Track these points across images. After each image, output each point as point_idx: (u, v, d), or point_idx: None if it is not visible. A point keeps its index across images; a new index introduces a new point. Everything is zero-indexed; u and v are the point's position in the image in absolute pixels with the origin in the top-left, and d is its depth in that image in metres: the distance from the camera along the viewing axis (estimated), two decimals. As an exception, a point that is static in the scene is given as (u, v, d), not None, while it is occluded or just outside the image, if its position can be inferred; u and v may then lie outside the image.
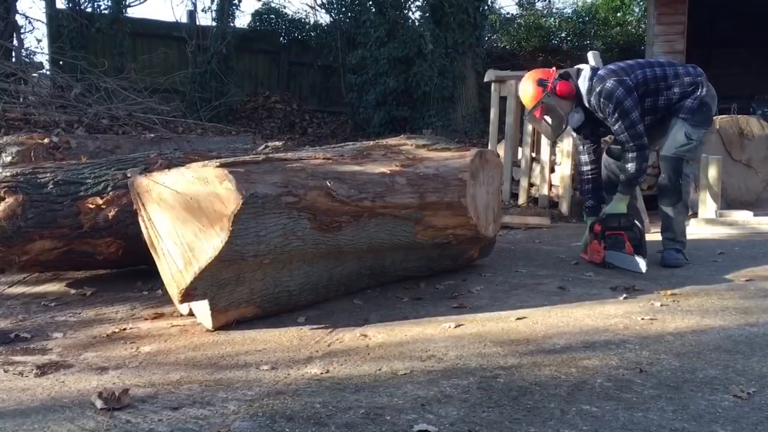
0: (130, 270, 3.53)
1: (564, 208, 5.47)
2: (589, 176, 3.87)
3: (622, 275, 3.45)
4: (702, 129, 3.70)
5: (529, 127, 5.89)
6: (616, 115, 3.53)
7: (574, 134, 4.02)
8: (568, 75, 3.65)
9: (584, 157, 3.89)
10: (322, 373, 2.17)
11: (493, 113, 6.49)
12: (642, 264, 3.44)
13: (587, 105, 3.62)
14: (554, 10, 16.49)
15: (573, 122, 3.68)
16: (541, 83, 3.59)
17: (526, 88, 3.66)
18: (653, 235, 4.70)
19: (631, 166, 3.60)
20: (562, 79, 3.60)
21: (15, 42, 9.98)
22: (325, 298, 2.97)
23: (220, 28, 11.35)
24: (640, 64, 3.67)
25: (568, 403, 1.93)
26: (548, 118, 3.70)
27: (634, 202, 4.00)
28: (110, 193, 3.20)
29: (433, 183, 3.19)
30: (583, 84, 3.60)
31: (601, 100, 3.52)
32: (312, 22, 13.69)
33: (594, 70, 3.64)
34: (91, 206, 3.16)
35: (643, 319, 2.73)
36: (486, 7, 11.90)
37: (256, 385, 2.08)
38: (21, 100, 7.31)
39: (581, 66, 3.75)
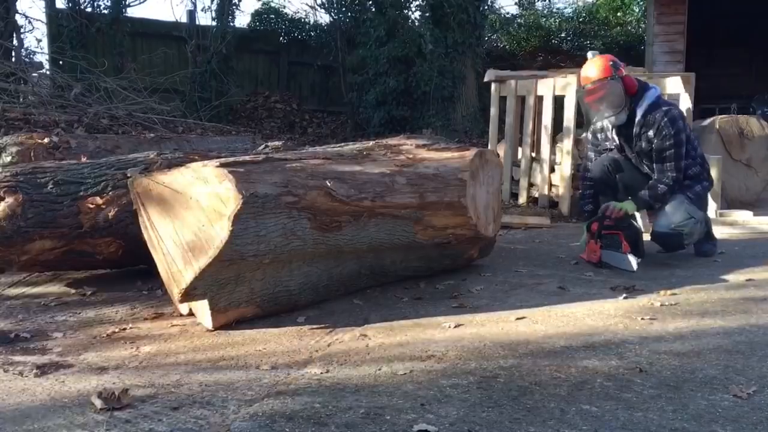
0: (130, 270, 3.53)
1: (564, 207, 5.47)
2: (592, 182, 3.88)
3: (623, 275, 3.45)
4: (702, 212, 3.76)
5: (529, 127, 5.89)
6: (672, 141, 3.54)
7: (590, 136, 4.02)
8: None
9: (591, 165, 3.91)
10: (322, 373, 2.17)
11: (493, 113, 6.49)
12: (633, 262, 3.43)
13: (637, 118, 3.61)
14: (554, 10, 16.50)
15: (617, 121, 3.68)
16: (615, 65, 3.60)
17: (598, 62, 3.65)
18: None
19: (661, 188, 3.61)
20: (629, 76, 3.65)
21: (15, 42, 9.98)
22: (325, 298, 2.97)
23: (220, 28, 11.34)
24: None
25: (568, 402, 1.93)
26: (596, 101, 3.66)
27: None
28: (110, 192, 3.20)
29: (433, 183, 3.19)
30: (650, 96, 3.61)
31: (665, 119, 3.53)
32: (312, 22, 13.68)
33: (661, 95, 3.71)
34: (91, 206, 3.16)
35: (643, 319, 2.73)
36: (486, 7, 11.90)
37: (256, 385, 2.08)
38: (21, 100, 7.31)
39: (648, 84, 3.77)
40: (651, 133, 3.60)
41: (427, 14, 10.89)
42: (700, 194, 3.74)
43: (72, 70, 8.56)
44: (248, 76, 12.56)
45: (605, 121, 3.82)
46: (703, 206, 3.81)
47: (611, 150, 3.89)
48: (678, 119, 3.58)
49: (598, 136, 3.94)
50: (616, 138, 3.82)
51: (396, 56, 10.62)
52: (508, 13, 16.39)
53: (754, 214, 4.99)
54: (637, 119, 3.64)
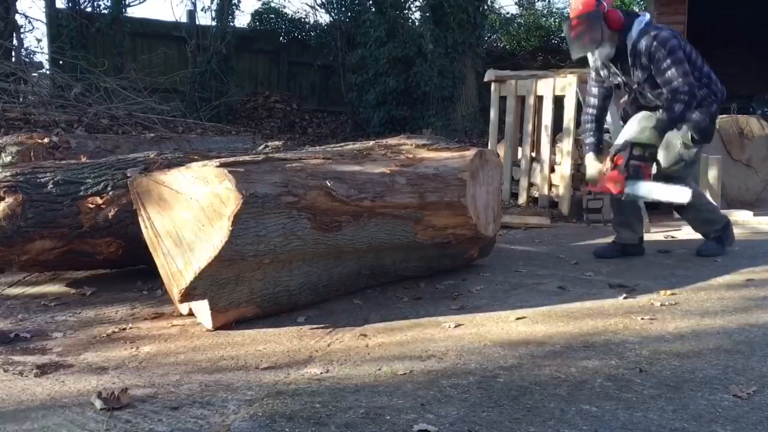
0: (130, 270, 3.53)
1: (564, 208, 5.47)
2: (592, 114, 3.82)
3: (622, 275, 3.44)
4: (699, 146, 3.67)
5: (529, 127, 5.89)
6: (669, 61, 3.45)
7: (593, 74, 3.88)
8: (623, 12, 3.62)
9: (592, 99, 3.83)
10: (322, 373, 2.17)
11: (493, 113, 6.49)
12: (685, 193, 3.36)
13: (629, 49, 3.53)
14: (554, 10, 16.51)
15: (601, 55, 3.62)
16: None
17: None
18: (653, 235, 4.70)
19: (678, 107, 3.44)
20: (617, 10, 3.56)
21: (15, 42, 9.98)
22: (325, 298, 2.97)
23: (220, 28, 11.34)
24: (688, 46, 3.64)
25: (568, 402, 1.93)
26: (578, 36, 3.60)
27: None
28: (110, 192, 3.20)
29: (433, 183, 3.19)
30: (637, 25, 3.54)
31: (654, 43, 3.46)
32: (312, 22, 13.69)
33: (651, 22, 3.59)
34: (91, 206, 3.16)
35: (643, 319, 2.73)
36: (486, 7, 11.89)
37: (256, 385, 2.08)
38: (21, 99, 7.30)
39: (639, 13, 3.70)
40: (644, 60, 3.52)
41: (427, 14, 10.89)
42: (703, 127, 3.61)
43: (72, 70, 8.56)
44: (248, 76, 12.56)
45: (599, 59, 3.72)
46: (706, 139, 3.66)
47: (618, 87, 3.80)
48: (669, 39, 3.48)
49: (601, 73, 3.84)
50: (619, 73, 3.72)
51: (396, 56, 10.62)
52: (508, 13, 16.42)
53: (754, 214, 4.99)
54: (628, 50, 3.56)
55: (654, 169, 3.63)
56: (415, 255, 3.30)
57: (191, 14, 11.70)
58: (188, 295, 2.56)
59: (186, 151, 3.82)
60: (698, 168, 3.88)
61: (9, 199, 3.03)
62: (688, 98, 3.46)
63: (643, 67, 3.56)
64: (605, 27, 3.54)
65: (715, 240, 3.83)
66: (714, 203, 3.78)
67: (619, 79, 3.76)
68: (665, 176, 3.63)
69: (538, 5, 16.81)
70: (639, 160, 3.49)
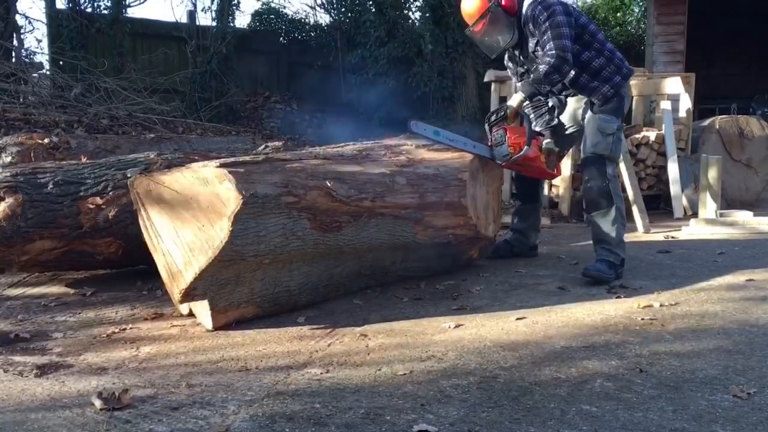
0: (130, 270, 3.53)
1: (564, 208, 5.48)
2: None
3: (623, 276, 3.44)
4: (618, 119, 3.51)
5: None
6: (547, 24, 3.33)
7: (510, 64, 3.77)
8: None
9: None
10: (322, 373, 2.17)
11: (493, 113, 6.47)
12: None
13: (522, 18, 3.44)
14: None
15: (513, 42, 3.52)
16: None
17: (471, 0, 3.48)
18: (653, 235, 4.70)
19: (542, 67, 3.32)
20: None
21: (15, 42, 9.98)
22: (325, 298, 2.97)
23: (220, 28, 11.35)
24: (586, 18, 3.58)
25: (568, 403, 1.93)
26: (488, 36, 3.53)
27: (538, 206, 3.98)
28: (110, 193, 3.20)
29: (433, 183, 3.19)
30: (526, 2, 3.44)
31: (538, 8, 3.35)
32: (312, 22, 13.70)
33: None
34: (91, 206, 3.16)
35: (643, 319, 2.73)
36: (486, 7, 11.87)
37: (256, 385, 2.08)
38: (21, 100, 7.32)
39: None
40: (531, 26, 3.42)
41: (427, 15, 10.89)
42: (608, 96, 3.46)
43: (72, 71, 8.56)
44: (248, 76, 12.54)
45: (508, 47, 3.63)
46: (618, 110, 3.51)
47: (527, 74, 3.65)
48: (552, 5, 3.34)
49: (510, 65, 3.77)
50: (523, 60, 3.63)
51: (396, 56, 10.62)
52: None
53: (754, 214, 4.99)
54: (522, 24, 3.46)
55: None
56: (415, 255, 3.30)
57: (191, 14, 11.70)
58: (188, 295, 2.56)
59: (186, 152, 3.83)
60: (624, 147, 3.70)
61: (9, 200, 3.03)
62: (555, 61, 3.30)
63: (532, 34, 3.45)
64: (506, 17, 3.45)
65: (606, 263, 3.38)
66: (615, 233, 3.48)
67: (524, 67, 3.65)
68: (594, 157, 3.46)
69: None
70: (499, 125, 3.51)
